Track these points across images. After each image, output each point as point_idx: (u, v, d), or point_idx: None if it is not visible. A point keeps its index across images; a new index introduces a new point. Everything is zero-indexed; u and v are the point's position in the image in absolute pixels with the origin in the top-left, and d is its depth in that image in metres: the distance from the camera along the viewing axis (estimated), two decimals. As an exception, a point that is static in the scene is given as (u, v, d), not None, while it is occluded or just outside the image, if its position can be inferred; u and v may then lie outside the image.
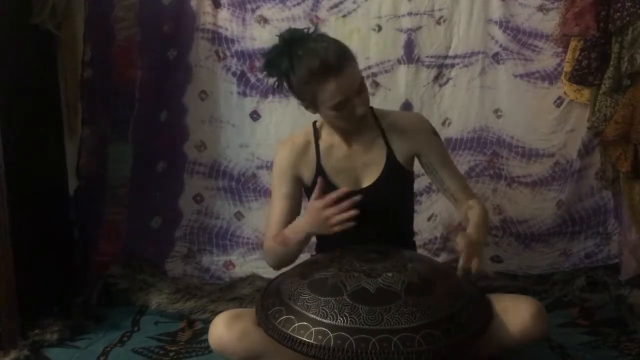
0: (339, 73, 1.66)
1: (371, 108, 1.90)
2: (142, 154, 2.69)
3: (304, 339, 1.43)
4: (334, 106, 1.70)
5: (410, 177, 1.96)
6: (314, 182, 1.82)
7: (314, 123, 1.93)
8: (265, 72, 1.80)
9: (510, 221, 2.69)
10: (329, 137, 1.88)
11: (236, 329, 1.59)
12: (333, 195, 1.66)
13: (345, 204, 1.64)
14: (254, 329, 1.58)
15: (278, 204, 1.87)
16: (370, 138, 1.87)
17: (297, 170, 1.88)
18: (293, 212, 1.87)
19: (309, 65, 1.66)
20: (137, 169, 2.69)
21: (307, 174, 1.87)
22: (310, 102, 1.75)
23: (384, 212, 1.82)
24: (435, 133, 1.96)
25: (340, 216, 1.64)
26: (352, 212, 1.63)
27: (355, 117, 1.74)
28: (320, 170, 1.85)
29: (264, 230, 1.93)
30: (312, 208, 1.69)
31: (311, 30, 1.76)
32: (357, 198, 1.65)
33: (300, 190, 1.91)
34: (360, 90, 1.72)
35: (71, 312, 2.33)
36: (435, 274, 1.62)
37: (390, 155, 1.86)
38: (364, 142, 1.87)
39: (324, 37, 1.74)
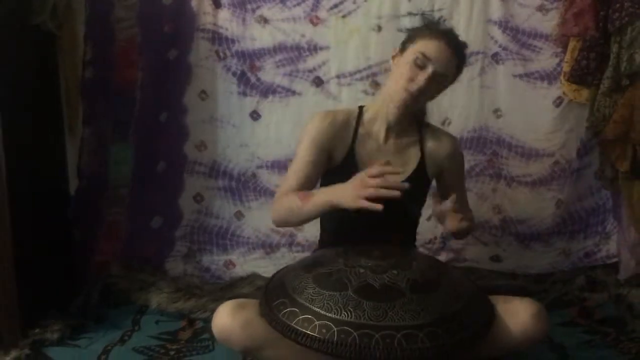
0: (447, 44, 1.80)
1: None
2: (143, 154, 2.68)
3: (308, 331, 1.43)
4: (416, 57, 1.78)
5: (428, 188, 2.01)
6: (343, 162, 1.87)
7: (361, 107, 1.95)
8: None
9: (510, 221, 2.71)
10: (369, 125, 1.91)
11: (240, 318, 1.59)
12: (387, 169, 1.57)
13: (392, 179, 1.56)
14: (257, 319, 1.58)
15: (301, 167, 1.86)
16: (408, 143, 1.92)
17: (331, 144, 1.88)
18: (313, 179, 1.87)
19: (439, 25, 1.91)
20: (137, 169, 2.68)
21: (340, 153, 1.89)
22: (405, 46, 1.87)
23: (395, 214, 1.83)
24: (463, 158, 2.09)
25: (378, 191, 1.52)
26: (395, 194, 1.52)
27: (413, 89, 1.79)
28: (351, 154, 1.87)
29: (281, 184, 1.93)
30: (356, 177, 1.61)
31: None
32: (406, 185, 1.56)
33: (326, 162, 1.89)
34: (438, 79, 1.81)
35: (71, 312, 2.32)
36: (439, 274, 1.64)
37: (421, 165, 1.91)
38: (400, 144, 1.91)
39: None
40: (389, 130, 1.90)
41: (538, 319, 1.60)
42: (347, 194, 1.58)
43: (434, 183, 2.05)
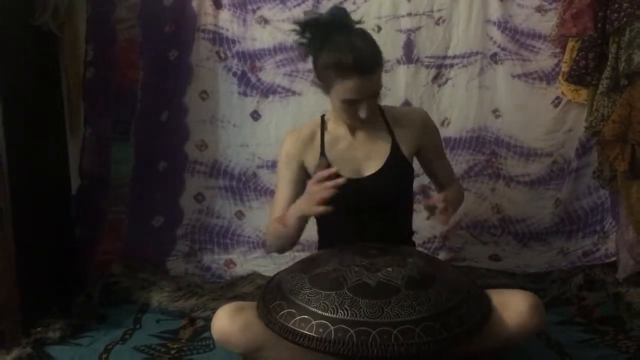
0: (364, 76, 1.70)
1: None
2: (144, 153, 2.70)
3: (305, 331, 1.45)
4: (344, 101, 1.76)
5: (410, 172, 1.99)
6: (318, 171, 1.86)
7: (323, 116, 1.97)
8: (297, 36, 1.81)
9: (509, 220, 2.71)
10: (335, 129, 1.93)
11: (239, 320, 1.61)
12: (324, 173, 1.68)
13: (328, 182, 1.66)
14: (256, 321, 1.60)
15: (282, 190, 1.93)
16: (375, 130, 1.91)
17: (302, 158, 1.93)
18: (297, 197, 1.89)
19: (340, 57, 1.70)
20: (138, 169, 2.70)
21: (312, 163, 1.92)
22: (325, 86, 1.80)
23: (384, 204, 1.84)
24: (436, 128, 2.06)
25: (322, 192, 1.65)
26: (332, 190, 1.64)
27: (358, 118, 1.79)
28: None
29: (270, 212, 2.01)
30: (307, 187, 1.74)
31: (356, 20, 1.80)
32: (342, 180, 1.66)
33: (305, 178, 1.95)
34: (373, 96, 1.78)
35: (73, 311, 2.33)
36: (434, 269, 1.64)
37: (395, 147, 1.91)
38: (368, 134, 1.91)
39: (364, 35, 1.77)
40: (353, 127, 1.92)
41: (534, 311, 1.61)
42: (304, 205, 1.72)
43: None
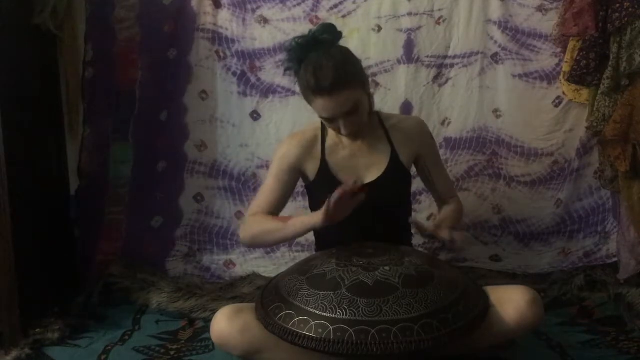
0: (329, 96, 1.71)
1: (376, 111, 1.99)
2: (143, 153, 2.70)
3: (304, 332, 1.45)
4: (322, 118, 1.81)
5: (409, 178, 2.01)
6: (318, 176, 1.91)
7: None
8: (286, 58, 1.83)
9: (510, 220, 2.71)
10: (335, 134, 1.93)
11: (238, 323, 1.61)
12: (350, 190, 1.67)
13: (346, 194, 1.66)
14: (255, 323, 1.60)
15: (271, 187, 1.93)
16: (375, 138, 1.93)
17: (301, 165, 1.94)
18: (283, 198, 1.95)
19: (306, 78, 1.74)
20: (137, 169, 2.70)
21: (312, 169, 1.93)
22: (308, 103, 1.81)
23: (383, 209, 1.84)
24: (433, 137, 2.09)
25: (344, 211, 1.70)
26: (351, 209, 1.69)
27: (344, 134, 1.82)
28: (324, 165, 1.91)
29: (250, 205, 2.03)
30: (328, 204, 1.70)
31: (336, 36, 1.81)
32: (359, 184, 1.69)
33: (296, 182, 1.98)
34: (351, 113, 1.76)
35: (72, 311, 2.33)
36: (432, 267, 1.65)
37: (394, 156, 1.92)
38: (368, 142, 1.93)
39: (334, 54, 1.75)
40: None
41: (533, 305, 1.61)
42: (320, 219, 1.70)
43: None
